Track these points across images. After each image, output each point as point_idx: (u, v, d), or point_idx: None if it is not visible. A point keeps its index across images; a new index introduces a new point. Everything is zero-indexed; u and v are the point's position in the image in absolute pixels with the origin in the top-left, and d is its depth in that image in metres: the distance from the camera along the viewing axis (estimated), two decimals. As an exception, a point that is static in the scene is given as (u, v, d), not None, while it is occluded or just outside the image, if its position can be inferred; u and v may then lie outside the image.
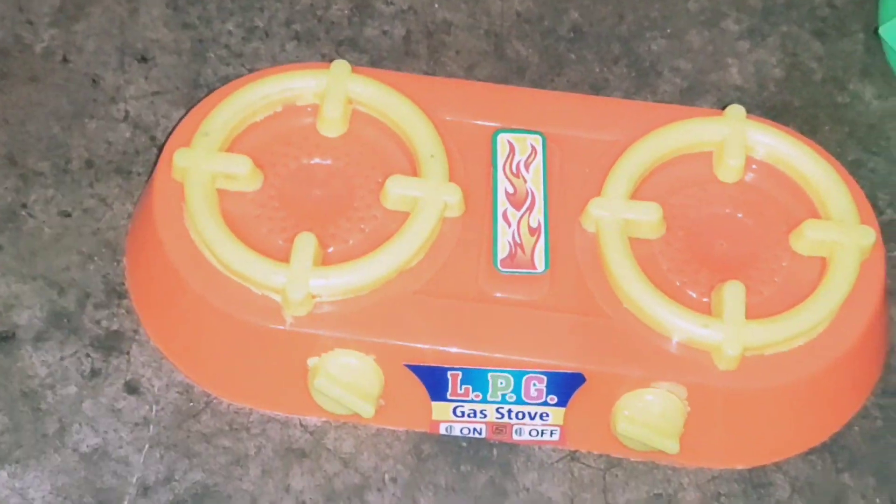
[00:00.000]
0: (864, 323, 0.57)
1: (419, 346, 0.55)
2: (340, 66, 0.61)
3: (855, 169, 0.66)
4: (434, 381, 0.56)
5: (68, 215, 0.62)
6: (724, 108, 0.66)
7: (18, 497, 0.55)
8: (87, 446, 0.56)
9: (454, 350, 0.55)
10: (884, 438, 0.59)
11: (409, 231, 0.57)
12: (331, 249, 0.57)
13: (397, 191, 0.58)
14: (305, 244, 0.55)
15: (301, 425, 0.57)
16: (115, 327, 0.59)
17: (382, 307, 0.56)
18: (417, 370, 0.56)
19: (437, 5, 0.69)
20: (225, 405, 0.58)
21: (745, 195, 0.60)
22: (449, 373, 0.56)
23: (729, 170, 0.60)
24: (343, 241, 0.57)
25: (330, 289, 0.55)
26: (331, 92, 0.60)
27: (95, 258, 0.61)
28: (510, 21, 0.69)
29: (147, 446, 0.57)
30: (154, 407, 0.58)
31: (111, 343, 0.59)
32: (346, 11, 0.69)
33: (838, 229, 0.58)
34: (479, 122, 0.61)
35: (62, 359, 0.58)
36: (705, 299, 0.57)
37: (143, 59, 0.67)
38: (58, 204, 0.62)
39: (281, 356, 0.56)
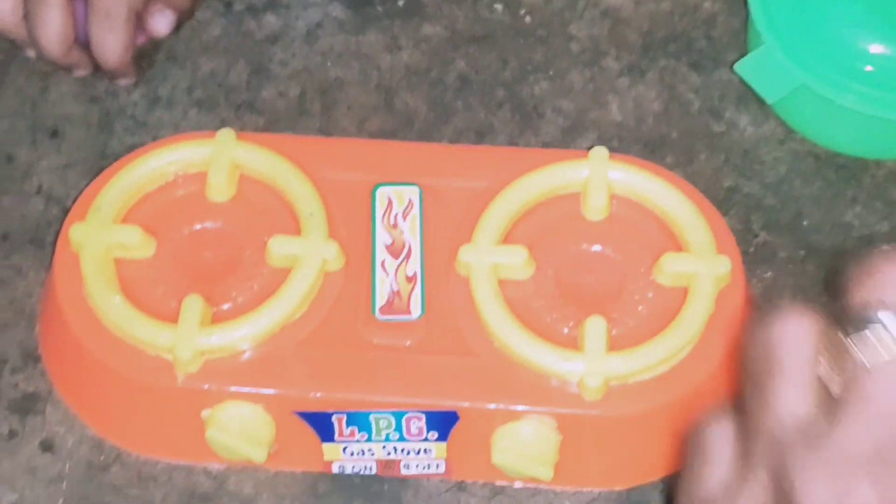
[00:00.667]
0: (724, 348, 0.61)
1: (303, 393, 0.59)
2: (225, 134, 0.65)
3: (730, 195, 0.70)
4: (321, 425, 0.60)
5: (-14, 287, 0.67)
6: (604, 144, 0.70)
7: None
8: (6, 503, 0.61)
9: (336, 396, 0.59)
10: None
11: (289, 287, 0.60)
12: (226, 306, 0.61)
13: (279, 250, 0.62)
14: (192, 306, 0.60)
15: (204, 472, 0.61)
16: (30, 390, 0.63)
17: (268, 359, 0.60)
18: (305, 416, 0.60)
19: (329, 64, 0.73)
20: (134, 457, 0.62)
21: (610, 232, 0.64)
22: (334, 416, 0.60)
23: (593, 209, 0.64)
24: (233, 300, 0.61)
25: (216, 346, 0.59)
26: (216, 160, 0.64)
27: (12, 326, 0.65)
28: (399, 74, 0.73)
29: (61, 500, 0.61)
30: (67, 463, 0.62)
31: (27, 405, 0.63)
32: (244, 76, 0.73)
33: (695, 260, 0.62)
34: (359, 178, 0.65)
35: (-19, 423, 0.63)
36: (574, 333, 0.61)
37: (54, 134, 0.71)
38: (-25, 277, 0.67)
39: (177, 411, 0.60)
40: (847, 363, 0.46)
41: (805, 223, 0.69)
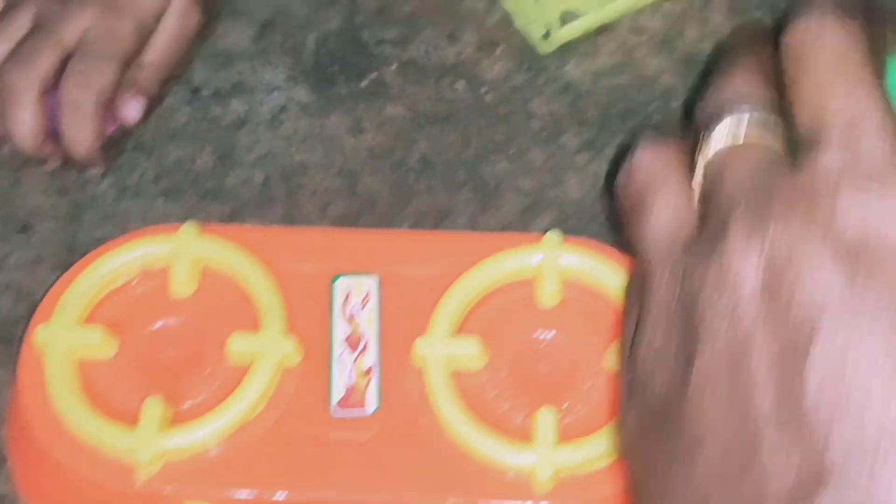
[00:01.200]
0: (675, 433, 0.61)
1: (261, 494, 0.60)
2: (188, 229, 0.66)
3: (686, 271, 0.70)
4: (281, 523, 0.61)
5: (-45, 386, 0.68)
6: (563, 222, 0.71)
7: None
8: None
9: (294, 495, 0.60)
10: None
11: (247, 385, 0.61)
12: (187, 404, 0.62)
13: (237, 347, 0.62)
14: (151, 408, 0.60)
15: (169, 568, 0.62)
16: None
17: (227, 460, 0.60)
18: (264, 515, 0.61)
19: (293, 148, 0.74)
20: (100, 556, 0.63)
21: (563, 317, 0.64)
22: (293, 515, 0.60)
23: (546, 294, 0.64)
24: (193, 398, 0.62)
25: (175, 448, 0.60)
26: (178, 255, 0.65)
27: (-20, 427, 0.66)
28: (362, 157, 0.74)
29: None
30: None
31: (-6, 508, 0.64)
32: (210, 163, 0.74)
33: (645, 347, 0.62)
34: (319, 269, 0.65)
35: (-52, 529, 0.64)
36: (528, 423, 0.61)
37: (24, 229, 0.72)
38: (-54, 376, 0.68)
39: (138, 513, 0.61)
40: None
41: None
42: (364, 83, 0.77)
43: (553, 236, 0.65)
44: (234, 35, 0.78)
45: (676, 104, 0.75)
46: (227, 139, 0.75)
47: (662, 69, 0.77)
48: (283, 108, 0.76)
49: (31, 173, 0.74)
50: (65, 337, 0.63)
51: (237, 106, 0.76)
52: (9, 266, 0.71)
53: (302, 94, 0.76)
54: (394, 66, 0.77)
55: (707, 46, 0.76)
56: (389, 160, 0.74)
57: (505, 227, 0.71)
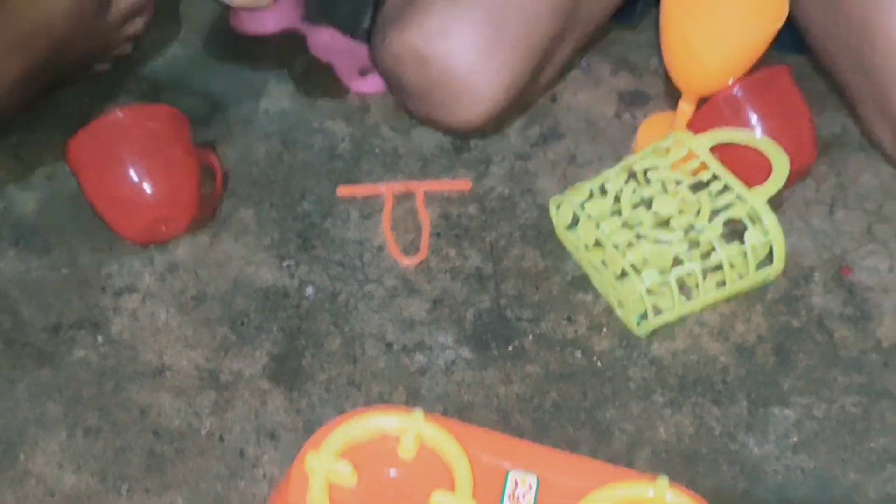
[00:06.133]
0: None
1: None
2: (416, 413, 0.87)
3: (745, 497, 0.94)
4: None
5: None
6: (656, 456, 0.95)
7: None
8: None
9: None
10: None
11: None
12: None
13: (439, 500, 0.84)
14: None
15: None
16: None
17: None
18: None
19: (462, 391, 0.99)
20: None
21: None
22: None
23: (650, 512, 0.86)
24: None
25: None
26: (407, 431, 0.86)
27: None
28: (512, 400, 0.98)
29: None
30: None
31: None
32: (402, 398, 0.98)
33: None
34: (500, 463, 0.86)
35: None
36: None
37: (272, 437, 0.96)
38: None
39: None
40: None
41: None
42: (510, 348, 1.02)
43: (663, 479, 0.86)
44: (414, 308, 1.05)
45: (731, 377, 1.01)
46: (414, 382, 0.99)
47: (720, 352, 1.04)
48: (453, 362, 1.01)
49: (274, 397, 0.97)
50: (326, 464, 0.84)
51: (420, 358, 1.01)
52: (263, 462, 0.93)
53: (466, 352, 1.01)
54: (530, 337, 1.03)
55: (751, 338, 1.04)
56: (531, 404, 0.98)
57: (616, 457, 0.95)
